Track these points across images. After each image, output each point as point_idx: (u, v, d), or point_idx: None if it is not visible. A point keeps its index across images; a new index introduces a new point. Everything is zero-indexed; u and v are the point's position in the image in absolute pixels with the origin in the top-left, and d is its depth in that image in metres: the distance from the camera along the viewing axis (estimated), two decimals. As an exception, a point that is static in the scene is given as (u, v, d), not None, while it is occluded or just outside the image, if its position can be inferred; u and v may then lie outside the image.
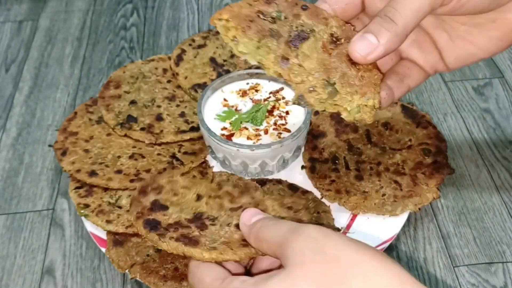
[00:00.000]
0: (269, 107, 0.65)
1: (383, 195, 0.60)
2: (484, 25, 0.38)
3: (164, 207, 0.53)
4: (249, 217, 0.40)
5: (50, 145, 0.72)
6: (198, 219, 0.51)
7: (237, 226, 0.47)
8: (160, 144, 0.67)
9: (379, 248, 0.58)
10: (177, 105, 0.72)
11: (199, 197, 0.54)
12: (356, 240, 0.32)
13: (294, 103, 0.39)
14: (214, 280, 0.37)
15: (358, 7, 0.40)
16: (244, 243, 0.45)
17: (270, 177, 0.66)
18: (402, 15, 0.34)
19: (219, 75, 0.74)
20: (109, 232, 0.59)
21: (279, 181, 0.64)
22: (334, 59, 0.37)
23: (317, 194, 0.62)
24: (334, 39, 0.37)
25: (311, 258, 0.31)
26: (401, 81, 0.41)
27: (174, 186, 0.56)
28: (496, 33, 0.38)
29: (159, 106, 0.71)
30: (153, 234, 0.49)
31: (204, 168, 0.65)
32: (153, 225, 0.50)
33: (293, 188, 0.63)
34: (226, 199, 0.54)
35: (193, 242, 0.47)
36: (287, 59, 0.37)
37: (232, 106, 0.67)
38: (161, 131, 0.68)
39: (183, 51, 0.79)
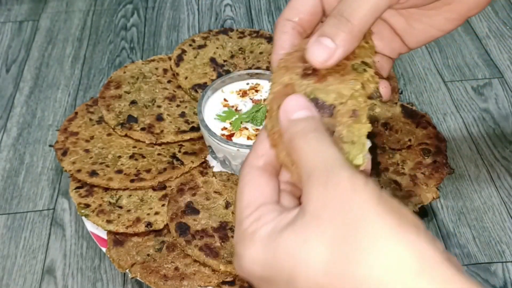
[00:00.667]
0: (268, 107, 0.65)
1: (383, 195, 0.61)
2: (440, 8, 0.38)
3: (196, 211, 0.59)
4: (294, 108, 0.32)
5: (50, 145, 0.72)
6: (223, 229, 0.57)
7: None
8: (160, 144, 0.67)
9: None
10: (178, 105, 0.72)
11: (227, 205, 0.59)
12: (392, 201, 0.28)
13: None
14: (248, 205, 0.32)
15: (319, 13, 0.39)
16: None
17: (270, 177, 0.66)
18: (358, 13, 0.33)
19: (219, 75, 0.75)
20: (109, 232, 0.59)
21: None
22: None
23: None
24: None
25: (332, 216, 0.28)
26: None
27: (209, 188, 0.61)
28: (453, 14, 0.39)
29: (159, 106, 0.71)
30: (182, 239, 0.56)
31: (204, 168, 0.65)
32: (183, 230, 0.57)
33: None
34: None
35: (213, 254, 0.54)
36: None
37: (232, 106, 0.67)
38: (162, 131, 0.68)
39: (184, 51, 0.79)
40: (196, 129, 0.68)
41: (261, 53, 0.79)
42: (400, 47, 0.41)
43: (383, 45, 0.40)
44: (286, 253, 0.28)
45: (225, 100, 0.68)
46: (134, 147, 0.67)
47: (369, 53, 0.35)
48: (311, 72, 0.33)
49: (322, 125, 0.32)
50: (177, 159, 0.65)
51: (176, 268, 0.55)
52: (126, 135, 0.68)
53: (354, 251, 0.26)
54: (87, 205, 0.60)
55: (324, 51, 0.33)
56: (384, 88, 0.39)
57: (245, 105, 0.67)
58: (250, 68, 0.76)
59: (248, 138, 0.63)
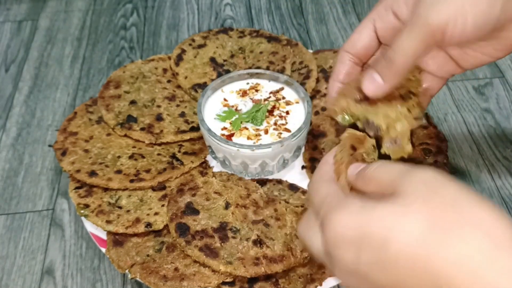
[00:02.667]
0: (269, 107, 0.65)
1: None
2: (489, 41, 0.43)
3: (196, 212, 0.58)
4: (353, 170, 0.38)
5: (50, 145, 0.72)
6: (223, 230, 0.56)
7: (255, 242, 0.54)
8: (160, 144, 0.67)
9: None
10: (177, 105, 0.72)
11: (227, 205, 0.59)
12: (476, 192, 0.31)
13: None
14: (331, 196, 0.37)
15: (375, 47, 0.46)
16: (256, 261, 0.53)
17: (270, 177, 0.65)
18: (402, 58, 0.40)
19: (219, 75, 0.74)
20: (109, 232, 0.59)
21: (279, 181, 0.64)
22: None
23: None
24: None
25: (427, 195, 0.30)
26: (424, 95, 0.46)
27: (209, 188, 0.61)
28: (500, 46, 0.43)
29: (159, 106, 0.71)
30: (182, 239, 0.55)
31: (204, 168, 0.65)
32: (183, 230, 0.56)
33: (293, 188, 0.63)
34: (251, 209, 0.58)
35: (213, 254, 0.54)
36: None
37: (232, 106, 0.67)
38: (161, 131, 0.67)
39: (183, 51, 0.79)
40: (196, 129, 0.68)
41: (261, 52, 0.78)
42: (455, 69, 0.45)
43: (436, 68, 0.46)
44: (383, 221, 0.30)
45: (225, 100, 0.68)
46: (134, 147, 0.67)
47: (415, 85, 0.44)
48: (364, 98, 0.42)
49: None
50: (177, 159, 0.65)
51: (176, 269, 0.55)
52: (125, 135, 0.67)
53: (454, 228, 0.29)
54: (87, 206, 0.60)
55: (374, 85, 0.41)
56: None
57: (245, 105, 0.67)
58: (250, 68, 0.75)
59: (248, 138, 0.63)
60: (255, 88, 0.69)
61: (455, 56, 0.44)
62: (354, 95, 0.43)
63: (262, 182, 0.63)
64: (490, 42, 0.42)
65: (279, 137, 0.62)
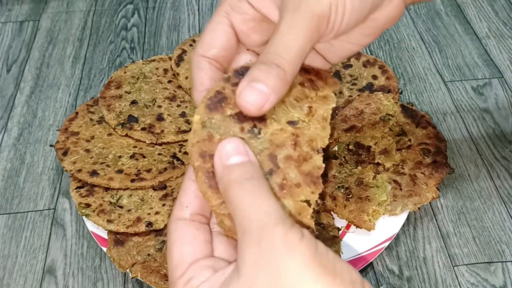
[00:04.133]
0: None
1: (383, 194, 0.61)
2: (357, 26, 0.38)
3: None
4: (229, 153, 0.31)
5: (51, 145, 0.72)
6: None
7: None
8: (161, 144, 0.67)
9: (379, 247, 0.58)
10: (178, 105, 0.72)
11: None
12: (328, 256, 0.27)
13: None
14: (177, 265, 0.31)
15: (234, 47, 0.37)
16: None
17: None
18: (287, 59, 0.32)
19: (220, 75, 0.75)
20: (110, 232, 0.59)
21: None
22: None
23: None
24: None
25: (265, 281, 0.27)
26: None
27: None
28: (368, 30, 0.38)
29: (160, 106, 0.71)
30: None
31: (204, 168, 0.66)
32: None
33: None
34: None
35: None
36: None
37: (233, 106, 0.67)
38: (162, 131, 0.68)
39: (184, 51, 0.79)
40: (196, 129, 0.68)
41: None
42: (323, 65, 0.39)
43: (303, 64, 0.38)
44: None
45: (225, 100, 0.68)
46: (135, 147, 0.67)
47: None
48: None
49: (260, 171, 0.31)
50: (178, 159, 0.65)
51: (177, 268, 0.55)
52: (126, 135, 0.68)
53: None
54: (88, 205, 0.61)
55: (259, 96, 0.31)
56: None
57: (245, 105, 0.67)
58: (250, 68, 0.76)
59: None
60: (255, 89, 0.69)
61: (321, 50, 0.39)
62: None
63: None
64: (358, 28, 0.37)
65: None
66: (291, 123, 0.33)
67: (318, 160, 0.32)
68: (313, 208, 0.31)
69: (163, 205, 0.61)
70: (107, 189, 0.62)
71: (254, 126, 0.32)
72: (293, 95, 0.34)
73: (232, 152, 0.31)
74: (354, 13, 0.34)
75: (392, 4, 0.37)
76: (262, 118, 0.32)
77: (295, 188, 0.31)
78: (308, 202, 0.31)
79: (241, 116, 0.32)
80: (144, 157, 0.65)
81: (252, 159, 0.31)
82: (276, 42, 0.32)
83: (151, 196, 0.62)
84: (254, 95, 0.31)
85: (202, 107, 0.32)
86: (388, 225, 0.60)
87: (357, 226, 0.59)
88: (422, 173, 0.62)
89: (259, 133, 0.32)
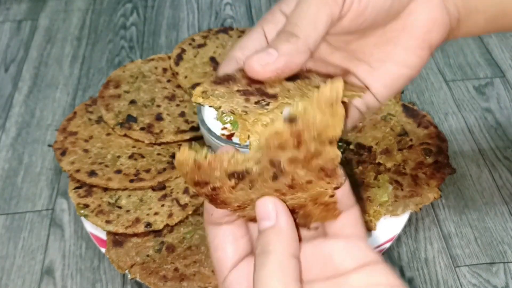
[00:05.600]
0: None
1: (384, 195, 0.60)
2: (395, 38, 0.36)
3: None
4: (263, 215, 0.31)
5: (49, 145, 0.72)
6: None
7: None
8: (160, 144, 0.67)
9: (380, 248, 0.58)
10: (177, 105, 0.72)
11: None
12: None
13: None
14: (219, 270, 0.33)
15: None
16: None
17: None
18: (301, 27, 0.31)
19: (219, 74, 0.74)
20: (108, 233, 0.59)
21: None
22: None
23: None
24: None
25: None
26: None
27: None
28: (411, 42, 0.36)
29: (159, 106, 0.71)
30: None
31: (204, 168, 0.65)
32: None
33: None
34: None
35: None
36: None
37: (232, 106, 0.66)
38: (161, 130, 0.67)
39: (183, 50, 0.78)
40: (196, 128, 0.68)
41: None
42: (370, 99, 0.37)
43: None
44: None
45: (225, 99, 0.67)
46: (134, 147, 0.66)
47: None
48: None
49: (292, 247, 0.30)
50: (177, 159, 0.65)
51: (176, 269, 0.55)
52: (125, 135, 0.67)
53: None
54: (86, 205, 0.60)
55: (264, 57, 0.30)
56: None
57: (245, 105, 0.67)
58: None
59: (249, 138, 0.62)
60: (255, 88, 0.69)
61: (363, 75, 0.37)
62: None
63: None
64: (398, 40, 0.35)
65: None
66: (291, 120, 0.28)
67: (331, 151, 0.28)
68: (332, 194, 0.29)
69: (162, 205, 0.60)
70: (105, 189, 0.62)
71: (263, 99, 0.29)
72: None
73: (264, 215, 0.31)
74: (373, 9, 0.33)
75: (430, 3, 0.35)
76: (272, 96, 0.30)
77: (307, 184, 0.29)
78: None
79: (248, 92, 0.30)
80: (143, 157, 0.65)
81: (281, 223, 0.31)
82: (292, 15, 0.32)
83: (150, 196, 0.61)
84: (261, 54, 0.30)
85: (207, 81, 0.31)
86: (389, 226, 0.59)
87: None
88: (423, 173, 0.62)
89: (267, 105, 0.29)
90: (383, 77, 0.36)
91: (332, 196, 0.30)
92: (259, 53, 0.31)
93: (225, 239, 0.33)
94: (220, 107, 0.30)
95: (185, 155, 0.29)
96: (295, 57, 0.31)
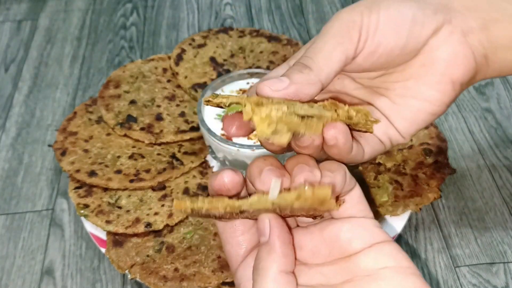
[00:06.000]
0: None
1: (384, 195, 0.60)
2: (416, 73, 0.36)
3: None
4: (263, 230, 0.32)
5: (49, 145, 0.72)
6: None
7: None
8: (160, 144, 0.67)
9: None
10: (177, 105, 0.72)
11: None
12: None
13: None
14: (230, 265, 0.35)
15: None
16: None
17: (270, 177, 0.65)
18: (315, 61, 0.33)
19: (219, 74, 0.74)
20: (109, 233, 0.59)
21: (279, 181, 0.64)
22: None
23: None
24: None
25: None
26: (357, 141, 0.38)
27: None
28: (431, 77, 0.36)
29: (159, 106, 0.71)
30: None
31: (204, 168, 0.65)
32: None
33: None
34: None
35: None
36: None
37: (232, 106, 0.66)
38: (161, 131, 0.67)
39: (183, 50, 0.78)
40: (196, 129, 0.68)
41: (261, 52, 0.78)
42: (388, 128, 0.38)
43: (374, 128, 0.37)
44: None
45: (225, 99, 0.67)
46: (134, 147, 0.66)
47: None
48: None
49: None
50: (177, 159, 0.65)
51: (176, 269, 0.55)
52: (125, 135, 0.67)
53: None
54: (86, 206, 0.60)
55: (275, 83, 0.32)
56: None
57: (245, 105, 0.67)
58: (250, 68, 0.75)
59: (248, 138, 0.63)
60: (255, 88, 0.69)
61: (385, 109, 0.38)
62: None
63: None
64: (419, 75, 0.36)
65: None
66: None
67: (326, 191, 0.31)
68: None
69: (162, 205, 0.60)
70: (105, 189, 0.62)
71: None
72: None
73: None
74: (391, 23, 0.34)
75: (451, 38, 0.35)
76: None
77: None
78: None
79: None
80: (143, 157, 0.65)
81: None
82: (308, 50, 0.34)
83: (150, 196, 0.61)
84: (273, 80, 0.32)
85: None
86: (390, 226, 0.59)
87: None
88: (423, 173, 0.62)
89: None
90: (404, 112, 0.37)
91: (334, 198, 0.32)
92: (272, 79, 0.32)
93: (233, 233, 0.35)
94: (227, 98, 0.32)
95: (182, 206, 0.31)
96: (305, 87, 0.32)
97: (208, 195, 0.34)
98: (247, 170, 0.34)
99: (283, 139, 0.31)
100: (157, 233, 0.58)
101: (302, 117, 0.31)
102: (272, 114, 0.30)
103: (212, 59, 0.77)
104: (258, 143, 0.62)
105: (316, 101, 0.34)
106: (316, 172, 0.32)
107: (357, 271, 0.32)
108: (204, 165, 0.66)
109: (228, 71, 0.75)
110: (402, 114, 0.37)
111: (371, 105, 0.39)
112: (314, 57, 0.33)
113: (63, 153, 0.65)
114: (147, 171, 0.63)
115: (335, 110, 0.32)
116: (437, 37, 0.36)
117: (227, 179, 0.32)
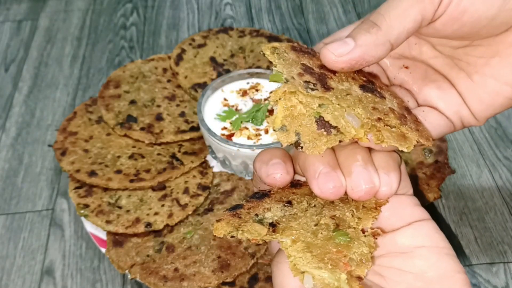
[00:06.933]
0: (269, 107, 0.65)
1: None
2: (503, 52, 0.32)
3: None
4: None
5: (49, 145, 0.72)
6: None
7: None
8: (160, 144, 0.67)
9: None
10: (177, 105, 0.72)
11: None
12: None
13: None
14: None
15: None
16: None
17: (270, 177, 0.65)
18: (386, 18, 0.30)
19: (219, 74, 0.74)
20: (109, 233, 0.59)
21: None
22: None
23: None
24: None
25: None
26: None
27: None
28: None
29: (159, 106, 0.71)
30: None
31: (204, 168, 0.65)
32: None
33: (294, 185, 0.63)
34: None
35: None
36: None
37: (233, 106, 0.67)
38: (161, 131, 0.67)
39: (183, 50, 0.78)
40: (196, 128, 0.68)
41: (261, 52, 0.78)
42: (460, 106, 0.34)
43: (438, 94, 0.35)
44: None
45: (225, 99, 0.67)
46: (134, 147, 0.66)
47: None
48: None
49: None
50: (177, 159, 0.65)
51: (176, 269, 0.55)
52: (125, 135, 0.67)
53: None
54: (86, 206, 0.60)
55: (341, 46, 0.30)
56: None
57: (245, 105, 0.67)
58: (250, 67, 0.75)
59: (248, 138, 0.63)
60: (255, 88, 0.69)
61: (461, 86, 0.34)
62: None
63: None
64: (506, 54, 0.32)
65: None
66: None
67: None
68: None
69: (162, 205, 0.60)
70: (106, 189, 0.62)
71: (314, 83, 0.29)
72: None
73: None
74: (474, 12, 0.30)
75: None
76: (327, 87, 0.30)
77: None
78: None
79: (309, 71, 0.30)
80: (143, 157, 0.65)
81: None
82: (381, 6, 0.31)
83: (150, 196, 0.61)
84: (337, 43, 0.30)
85: (286, 44, 0.32)
86: (390, 226, 0.59)
87: None
88: (423, 173, 0.62)
89: (312, 90, 0.29)
90: (481, 93, 0.34)
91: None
92: (336, 42, 0.30)
93: (287, 278, 0.32)
94: (275, 66, 0.30)
95: (221, 231, 0.30)
96: (372, 49, 0.30)
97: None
98: (303, 165, 0.32)
99: (288, 139, 0.30)
100: (157, 233, 0.58)
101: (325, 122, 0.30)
102: (297, 107, 0.28)
103: (212, 59, 0.77)
104: (258, 143, 0.62)
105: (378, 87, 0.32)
106: (371, 171, 0.31)
107: (393, 248, 0.32)
108: (204, 165, 0.66)
109: (228, 71, 0.75)
110: (478, 94, 0.33)
111: (447, 78, 0.35)
112: (386, 13, 0.30)
113: (63, 153, 0.65)
114: (147, 171, 0.63)
115: (373, 129, 0.30)
116: None
117: (279, 177, 0.32)
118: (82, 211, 0.60)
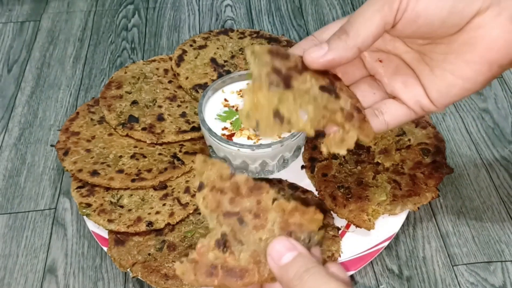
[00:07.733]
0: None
1: (383, 194, 0.61)
2: (459, 49, 0.37)
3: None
4: (280, 253, 0.35)
5: (52, 145, 0.72)
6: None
7: (218, 243, 0.38)
8: (161, 144, 0.67)
9: (378, 247, 0.58)
10: (178, 105, 0.72)
11: (201, 186, 0.41)
12: None
13: None
14: None
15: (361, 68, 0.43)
16: (211, 270, 0.38)
17: (270, 176, 0.66)
18: (353, 25, 0.37)
19: (220, 75, 0.75)
20: (110, 231, 0.59)
21: (279, 181, 0.64)
22: None
23: (317, 194, 0.62)
24: None
25: None
26: (375, 116, 0.42)
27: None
28: (470, 55, 0.37)
29: (160, 106, 0.72)
30: None
31: (205, 167, 0.66)
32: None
33: (293, 187, 0.63)
34: (228, 195, 0.41)
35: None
36: None
37: (233, 106, 0.67)
38: (162, 131, 0.68)
39: (184, 51, 0.79)
40: (196, 129, 0.68)
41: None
42: (421, 97, 0.40)
43: (402, 88, 0.41)
44: None
45: (225, 100, 0.68)
46: (135, 147, 0.67)
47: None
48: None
49: (311, 258, 0.35)
50: (178, 159, 0.65)
51: (177, 267, 0.55)
52: (127, 135, 0.68)
53: None
54: (89, 205, 0.61)
55: (317, 51, 0.37)
56: None
57: (246, 105, 0.67)
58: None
59: (249, 138, 0.63)
60: (256, 89, 0.69)
61: (423, 78, 0.40)
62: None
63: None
64: (460, 52, 0.37)
65: (279, 137, 0.63)
66: None
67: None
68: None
69: (164, 204, 0.61)
70: (107, 189, 0.62)
71: (277, 82, 0.36)
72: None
73: (282, 251, 0.35)
74: (430, 11, 0.36)
75: (496, 21, 0.36)
76: (288, 85, 0.37)
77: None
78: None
79: (277, 71, 0.37)
80: (144, 157, 0.66)
81: (301, 250, 0.36)
82: (351, 16, 0.37)
83: (152, 196, 0.62)
84: (314, 48, 0.37)
85: (266, 46, 0.38)
86: (388, 225, 0.60)
87: (357, 226, 0.59)
88: (421, 173, 0.62)
89: (276, 86, 0.36)
90: (440, 84, 0.39)
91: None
92: (313, 48, 0.38)
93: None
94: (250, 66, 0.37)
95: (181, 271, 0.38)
96: (342, 53, 0.37)
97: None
98: None
99: (249, 124, 0.36)
100: (159, 231, 0.59)
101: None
102: (260, 100, 0.35)
103: (213, 60, 0.78)
104: (258, 143, 0.62)
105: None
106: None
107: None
108: (205, 165, 0.66)
109: (228, 72, 0.76)
110: (437, 86, 0.39)
111: (413, 71, 0.41)
112: (353, 21, 0.37)
113: (66, 153, 0.66)
114: (149, 170, 0.63)
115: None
116: (482, 17, 0.36)
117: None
118: (84, 210, 0.60)
